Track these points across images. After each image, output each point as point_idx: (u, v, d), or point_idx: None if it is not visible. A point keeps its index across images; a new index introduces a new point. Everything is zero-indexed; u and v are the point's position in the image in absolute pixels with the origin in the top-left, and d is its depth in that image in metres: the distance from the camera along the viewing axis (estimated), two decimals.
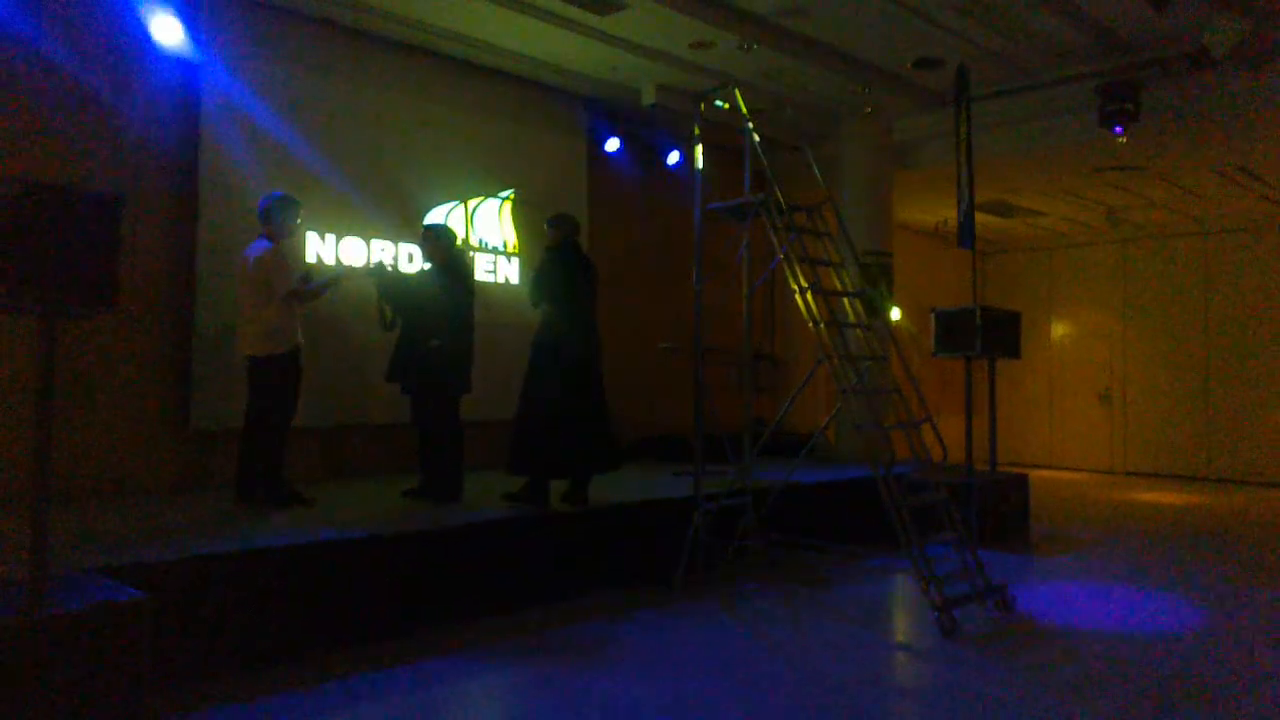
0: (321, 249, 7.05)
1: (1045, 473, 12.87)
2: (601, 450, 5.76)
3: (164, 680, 3.54)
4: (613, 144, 9.08)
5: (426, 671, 4.01)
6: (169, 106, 6.34)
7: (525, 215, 8.39)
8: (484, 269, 8.11)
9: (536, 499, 5.53)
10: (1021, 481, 7.97)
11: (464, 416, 5.90)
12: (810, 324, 5.40)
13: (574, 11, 6.95)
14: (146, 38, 6.00)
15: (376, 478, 6.94)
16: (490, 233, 8.23)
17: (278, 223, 5.43)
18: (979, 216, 9.26)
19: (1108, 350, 13.57)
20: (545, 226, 5.99)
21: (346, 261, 7.16)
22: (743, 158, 6.24)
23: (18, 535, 3.74)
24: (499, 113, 8.29)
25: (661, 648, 4.41)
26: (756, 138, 5.95)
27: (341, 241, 7.19)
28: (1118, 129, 7.92)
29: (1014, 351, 7.80)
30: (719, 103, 6.87)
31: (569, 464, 5.60)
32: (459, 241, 6.83)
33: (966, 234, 7.54)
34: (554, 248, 5.84)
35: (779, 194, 5.62)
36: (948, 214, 11.87)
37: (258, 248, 5.37)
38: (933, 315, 7.57)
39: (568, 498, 5.67)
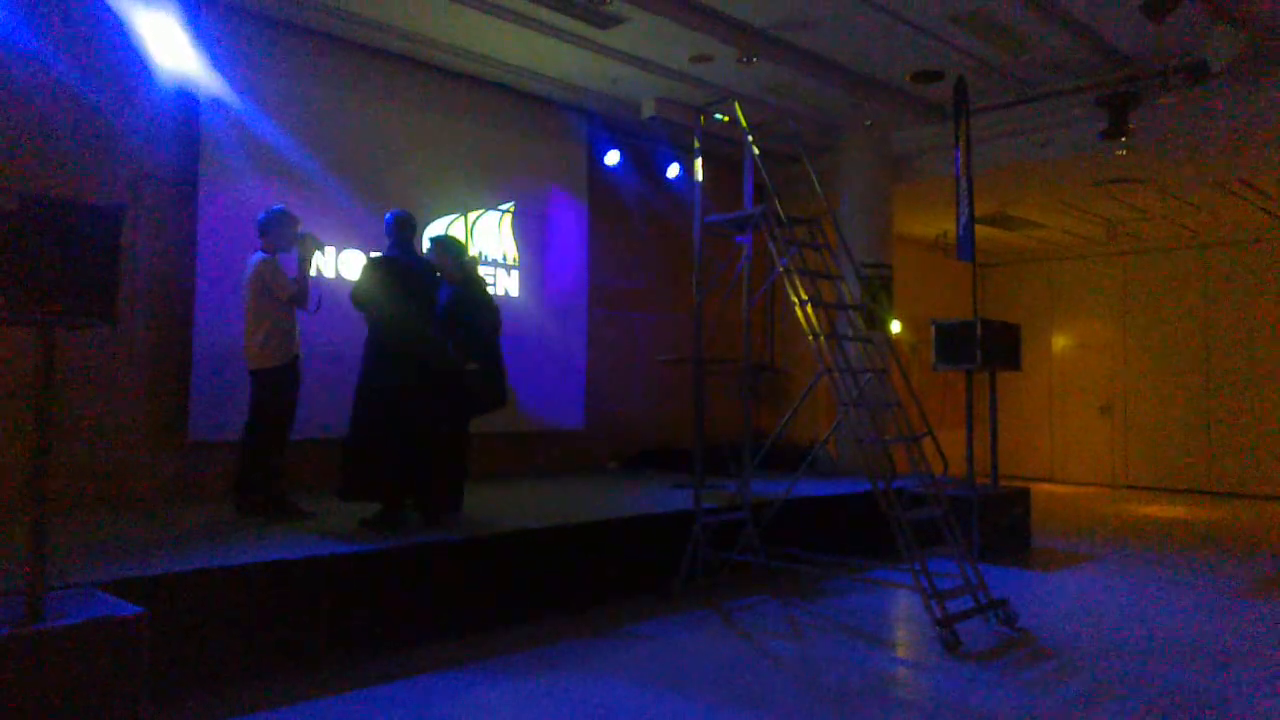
0: (321, 261, 7.04)
1: (1046, 486, 12.85)
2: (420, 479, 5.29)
3: (162, 694, 3.52)
4: (613, 157, 9.11)
5: (426, 685, 3.99)
6: (169, 120, 6.37)
7: (525, 227, 8.41)
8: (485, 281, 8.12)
9: (391, 523, 5.12)
10: (1023, 495, 7.94)
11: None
12: (810, 337, 5.40)
13: (575, 25, 6.99)
14: (147, 52, 6.03)
15: None
16: (490, 245, 8.25)
17: (274, 236, 5.46)
18: (979, 229, 9.27)
19: (1108, 362, 13.56)
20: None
21: (343, 273, 7.18)
22: (742, 170, 6.25)
23: (16, 547, 3.72)
24: (499, 125, 8.31)
25: (662, 660, 4.39)
26: (756, 151, 5.96)
27: (341, 254, 7.21)
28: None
29: (1014, 364, 7.80)
30: (719, 116, 6.88)
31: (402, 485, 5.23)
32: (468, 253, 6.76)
33: (966, 246, 7.55)
34: (384, 253, 5.50)
35: (779, 206, 5.63)
36: (947, 226, 11.90)
37: (254, 259, 5.41)
38: (933, 328, 7.58)
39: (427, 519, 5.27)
